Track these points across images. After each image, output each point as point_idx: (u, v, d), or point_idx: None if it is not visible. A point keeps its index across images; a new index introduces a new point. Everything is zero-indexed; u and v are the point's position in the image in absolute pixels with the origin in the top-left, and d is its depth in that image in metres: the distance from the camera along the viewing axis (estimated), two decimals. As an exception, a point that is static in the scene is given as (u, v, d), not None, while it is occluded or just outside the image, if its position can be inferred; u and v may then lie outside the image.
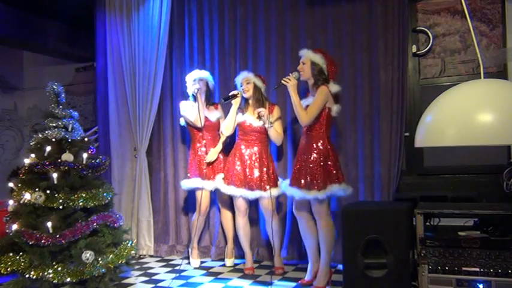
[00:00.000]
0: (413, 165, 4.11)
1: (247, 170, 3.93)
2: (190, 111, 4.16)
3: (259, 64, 4.44)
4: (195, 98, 4.16)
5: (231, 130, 4.05)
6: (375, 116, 4.04)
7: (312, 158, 3.45)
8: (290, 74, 3.54)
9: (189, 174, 4.26)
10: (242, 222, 4.02)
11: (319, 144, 3.46)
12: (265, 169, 3.93)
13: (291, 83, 3.48)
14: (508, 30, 3.85)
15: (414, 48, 4.14)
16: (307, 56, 3.55)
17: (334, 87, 3.49)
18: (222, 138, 4.23)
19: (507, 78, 3.81)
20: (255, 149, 3.97)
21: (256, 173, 3.92)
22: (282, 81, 3.53)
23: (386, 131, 3.97)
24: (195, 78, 4.19)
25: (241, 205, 3.97)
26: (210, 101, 4.30)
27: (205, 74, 4.25)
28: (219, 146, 4.23)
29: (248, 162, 3.95)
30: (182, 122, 4.34)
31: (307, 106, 3.50)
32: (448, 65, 4.08)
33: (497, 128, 2.22)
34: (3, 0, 5.26)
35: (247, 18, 4.50)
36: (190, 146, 4.36)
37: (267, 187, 3.89)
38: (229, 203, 4.22)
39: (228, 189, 3.98)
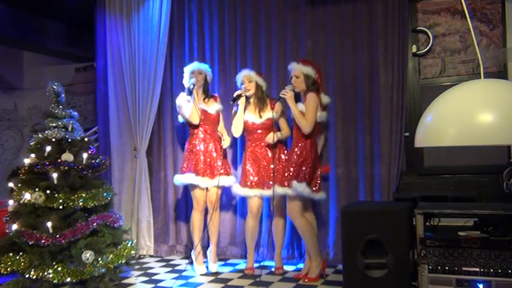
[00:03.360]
0: (413, 165, 4.11)
1: (260, 170, 3.93)
2: (186, 106, 4.04)
3: (259, 64, 4.43)
4: (190, 92, 4.04)
5: (240, 131, 4.01)
6: (375, 116, 4.04)
7: (293, 158, 3.66)
8: (286, 87, 3.71)
9: (183, 169, 4.09)
10: (252, 223, 3.99)
11: (301, 145, 3.66)
12: (272, 166, 3.92)
13: (288, 95, 3.68)
14: (508, 30, 3.85)
15: (414, 48, 4.14)
16: (300, 69, 3.73)
17: (325, 99, 3.78)
18: (225, 132, 4.19)
19: (507, 78, 3.81)
20: (265, 148, 3.95)
21: (269, 172, 3.91)
22: (280, 95, 3.73)
23: (387, 131, 3.96)
24: (193, 70, 4.10)
25: (254, 206, 3.95)
26: (208, 94, 4.18)
27: (203, 66, 4.16)
28: (227, 135, 4.16)
29: (259, 161, 3.94)
30: (180, 119, 4.21)
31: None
32: (448, 65, 4.08)
33: (497, 128, 2.22)
34: (3, 0, 5.26)
35: (248, 18, 4.50)
36: (187, 141, 4.17)
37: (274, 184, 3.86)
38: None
39: (243, 192, 3.98)
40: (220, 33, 4.60)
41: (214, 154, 4.07)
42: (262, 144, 3.97)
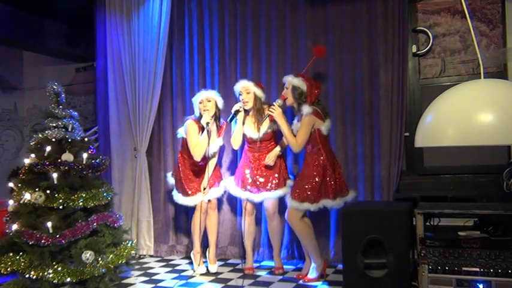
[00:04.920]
0: (413, 165, 4.11)
1: (254, 174, 3.92)
2: (198, 140, 3.92)
3: (259, 64, 4.43)
4: (205, 129, 3.91)
5: (239, 144, 3.99)
6: (375, 116, 4.04)
7: (310, 174, 3.61)
8: (274, 103, 3.69)
9: (177, 189, 4.13)
10: (248, 221, 4.01)
11: (318, 161, 3.61)
12: (276, 174, 3.92)
13: (276, 112, 3.65)
14: (508, 30, 3.85)
15: (414, 48, 4.14)
16: (289, 81, 3.71)
17: (306, 109, 3.57)
18: (211, 168, 4.08)
19: (507, 78, 3.81)
20: (263, 159, 3.92)
21: (263, 177, 3.90)
22: (268, 112, 3.68)
23: (386, 131, 3.96)
24: (201, 99, 3.96)
25: (248, 205, 3.99)
26: (218, 124, 4.05)
27: (211, 93, 4.03)
28: (207, 177, 4.04)
29: (255, 167, 3.93)
30: (180, 135, 4.15)
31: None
32: (448, 65, 4.08)
33: (497, 128, 2.22)
34: (3, 0, 5.26)
35: (248, 18, 4.50)
36: (180, 161, 4.12)
37: (271, 189, 3.89)
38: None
39: (235, 191, 4.03)
40: (220, 33, 4.60)
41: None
42: (260, 153, 3.94)
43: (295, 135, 3.63)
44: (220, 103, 4.06)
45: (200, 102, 3.99)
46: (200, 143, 3.93)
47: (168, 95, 4.78)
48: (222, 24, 4.60)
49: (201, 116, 3.98)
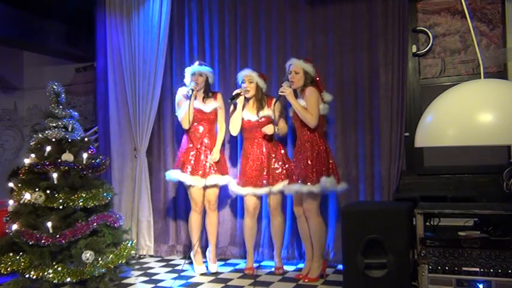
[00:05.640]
0: (413, 165, 4.11)
1: (255, 168, 3.91)
2: (181, 107, 4.03)
3: (259, 64, 4.43)
4: (188, 97, 4.01)
5: (237, 129, 3.99)
6: (375, 116, 4.04)
7: (306, 156, 3.63)
8: (283, 84, 3.71)
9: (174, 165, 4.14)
10: (250, 223, 3.99)
11: (312, 142, 3.64)
12: (276, 165, 3.92)
13: (287, 91, 3.66)
14: (508, 30, 3.86)
15: (414, 48, 4.14)
16: (300, 65, 3.71)
17: (326, 96, 3.72)
18: (221, 135, 4.12)
19: (507, 78, 3.81)
20: (262, 146, 3.93)
21: (265, 170, 3.89)
22: (279, 93, 3.71)
23: (386, 131, 3.97)
24: (193, 72, 4.05)
25: (250, 205, 3.95)
26: (208, 94, 4.11)
27: (204, 68, 4.08)
28: (219, 143, 4.09)
29: (257, 161, 3.92)
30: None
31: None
32: (448, 65, 4.08)
33: (497, 128, 2.22)
34: (3, 0, 5.26)
35: (248, 18, 4.50)
36: (184, 135, 4.16)
37: (273, 183, 3.87)
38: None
39: (238, 190, 3.99)
40: (220, 33, 4.60)
41: (208, 152, 4.04)
42: (258, 141, 3.94)
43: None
44: (211, 78, 4.14)
45: (192, 75, 4.05)
46: (184, 111, 3.98)
47: (168, 95, 4.78)
48: (222, 24, 4.60)
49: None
